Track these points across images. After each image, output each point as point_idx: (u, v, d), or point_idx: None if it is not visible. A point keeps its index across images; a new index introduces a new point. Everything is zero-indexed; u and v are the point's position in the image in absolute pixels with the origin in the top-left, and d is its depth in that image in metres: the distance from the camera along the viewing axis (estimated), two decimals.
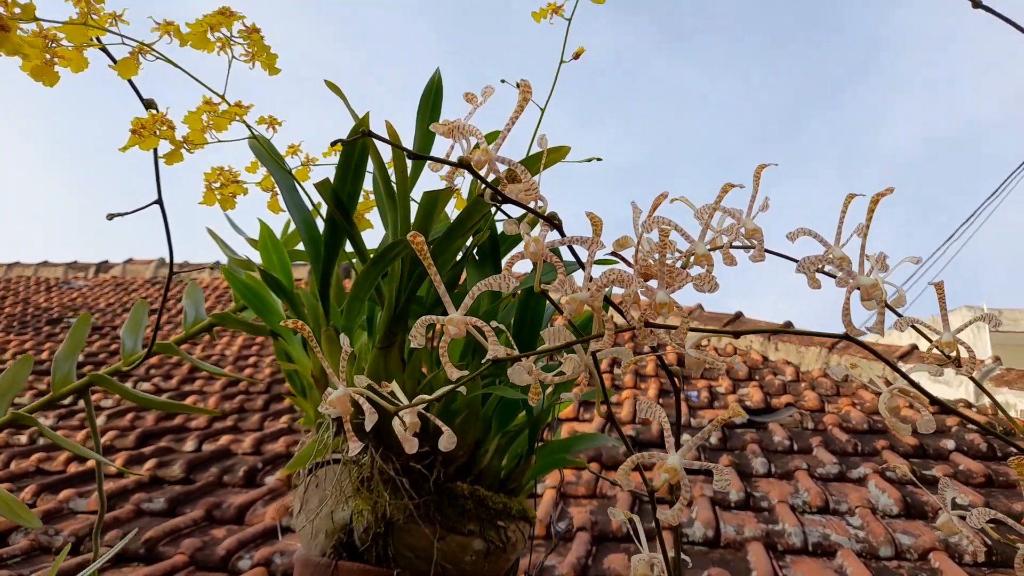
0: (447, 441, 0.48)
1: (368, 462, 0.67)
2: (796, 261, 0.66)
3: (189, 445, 2.62)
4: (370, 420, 0.44)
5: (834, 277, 0.63)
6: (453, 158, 0.53)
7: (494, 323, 0.53)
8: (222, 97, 0.59)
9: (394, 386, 0.53)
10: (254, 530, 1.92)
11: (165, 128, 0.57)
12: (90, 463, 2.45)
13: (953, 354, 0.65)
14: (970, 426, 2.68)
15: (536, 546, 1.86)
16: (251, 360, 3.92)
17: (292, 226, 0.86)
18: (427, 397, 0.48)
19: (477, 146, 0.50)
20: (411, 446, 0.47)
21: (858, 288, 0.53)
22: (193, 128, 0.58)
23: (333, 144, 0.53)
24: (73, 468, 2.42)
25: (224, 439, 2.64)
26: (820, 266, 0.54)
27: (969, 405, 2.94)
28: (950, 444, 2.49)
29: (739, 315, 4.06)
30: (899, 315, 0.61)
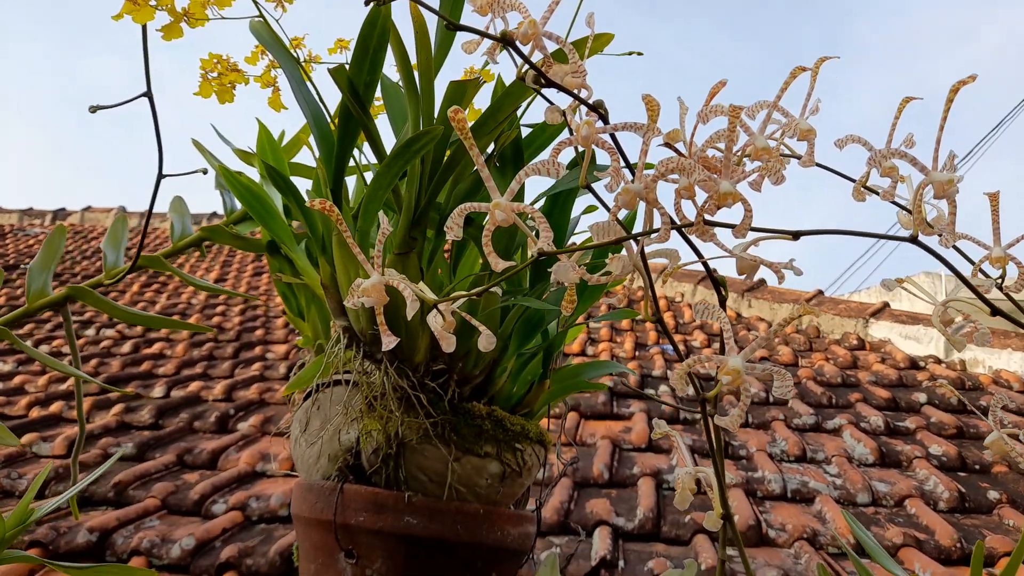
0: (487, 341, 0.44)
1: (379, 379, 0.63)
2: (845, 176, 0.62)
3: (157, 391, 2.54)
4: (412, 307, 0.40)
5: (877, 193, 0.59)
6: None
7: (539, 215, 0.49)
8: None
9: (422, 285, 0.48)
10: (228, 475, 1.87)
11: None
12: (53, 408, 2.37)
13: (999, 272, 0.63)
14: (940, 380, 2.73)
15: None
16: (219, 309, 3.83)
17: (287, 137, 0.80)
18: (463, 293, 0.44)
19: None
20: (449, 344, 0.43)
21: (931, 184, 0.49)
22: None
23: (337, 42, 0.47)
24: (35, 413, 2.34)
25: (194, 385, 2.57)
26: (886, 162, 0.51)
27: (939, 361, 2.99)
28: (922, 397, 2.53)
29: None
30: (940, 235, 0.58)
